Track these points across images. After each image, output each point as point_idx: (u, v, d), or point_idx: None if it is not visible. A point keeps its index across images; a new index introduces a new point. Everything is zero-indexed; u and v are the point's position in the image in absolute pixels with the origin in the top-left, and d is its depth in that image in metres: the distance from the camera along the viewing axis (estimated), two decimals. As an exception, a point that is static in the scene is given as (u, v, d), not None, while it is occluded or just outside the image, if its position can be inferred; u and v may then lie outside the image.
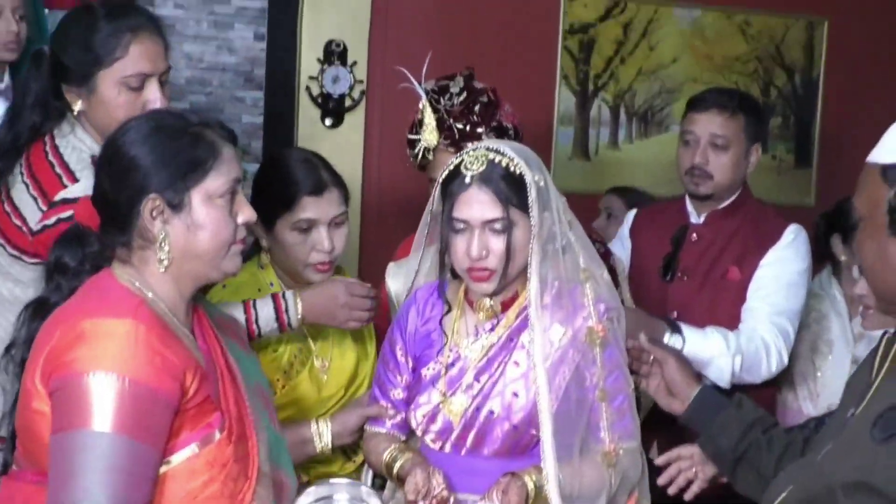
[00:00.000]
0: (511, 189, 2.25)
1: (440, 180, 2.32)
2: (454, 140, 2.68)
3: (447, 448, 2.33)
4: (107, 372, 1.76)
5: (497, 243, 2.25)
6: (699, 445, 2.40)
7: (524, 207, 2.25)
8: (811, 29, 5.00)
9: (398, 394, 2.43)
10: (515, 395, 2.29)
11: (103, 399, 1.75)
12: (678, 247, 3.22)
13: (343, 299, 2.57)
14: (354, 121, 4.60)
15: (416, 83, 2.47)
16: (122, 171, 1.94)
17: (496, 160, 2.26)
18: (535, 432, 2.25)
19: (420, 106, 2.48)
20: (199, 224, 1.93)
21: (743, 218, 3.19)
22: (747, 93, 3.50)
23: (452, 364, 2.34)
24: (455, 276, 2.39)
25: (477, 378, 2.31)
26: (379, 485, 2.50)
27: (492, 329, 2.35)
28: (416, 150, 2.77)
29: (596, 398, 2.25)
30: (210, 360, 1.95)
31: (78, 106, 2.47)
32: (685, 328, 2.97)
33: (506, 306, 2.36)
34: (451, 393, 2.32)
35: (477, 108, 2.69)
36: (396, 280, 2.67)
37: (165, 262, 1.93)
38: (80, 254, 1.99)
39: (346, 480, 2.14)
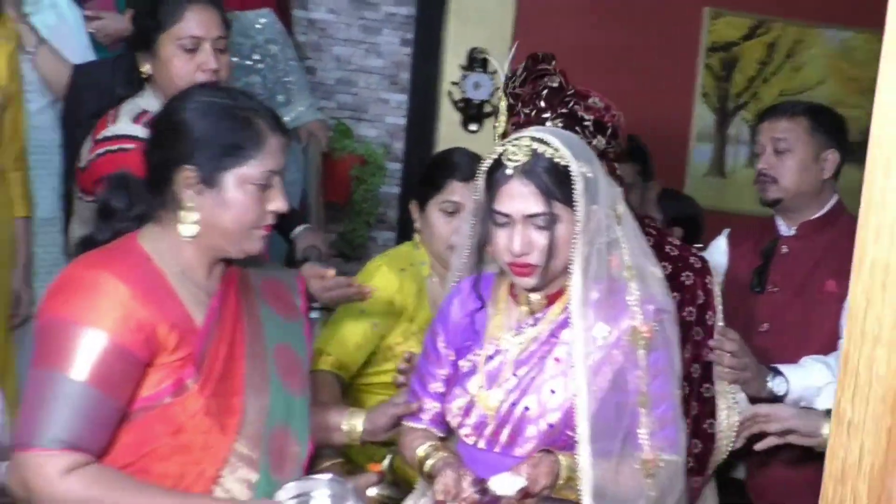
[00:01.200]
0: (555, 182, 2.00)
1: (484, 170, 2.09)
2: (520, 128, 2.28)
3: (481, 444, 2.09)
4: (96, 329, 1.81)
5: (540, 238, 2.02)
6: None
7: (569, 201, 2.01)
8: (967, 56, 4.58)
9: (438, 387, 2.20)
10: (553, 392, 2.05)
11: (89, 353, 1.80)
12: (769, 259, 2.98)
13: (315, 286, 2.54)
14: (494, 127, 4.48)
15: (499, 66, 2.25)
16: (166, 135, 1.94)
17: (540, 151, 2.01)
18: (571, 433, 2.00)
19: (500, 92, 2.25)
20: (226, 204, 1.91)
21: (839, 231, 2.89)
22: (823, 105, 3.19)
23: (492, 357, 2.11)
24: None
25: (515, 373, 2.08)
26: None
27: (535, 323, 2.11)
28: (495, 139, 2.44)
29: (637, 403, 2.00)
30: (217, 318, 1.93)
31: (146, 69, 2.66)
32: (783, 369, 2.66)
33: (551, 300, 2.11)
34: (487, 387, 2.09)
35: (545, 92, 2.35)
36: None
37: (191, 232, 1.90)
38: (127, 199, 1.98)
39: (328, 476, 1.96)
